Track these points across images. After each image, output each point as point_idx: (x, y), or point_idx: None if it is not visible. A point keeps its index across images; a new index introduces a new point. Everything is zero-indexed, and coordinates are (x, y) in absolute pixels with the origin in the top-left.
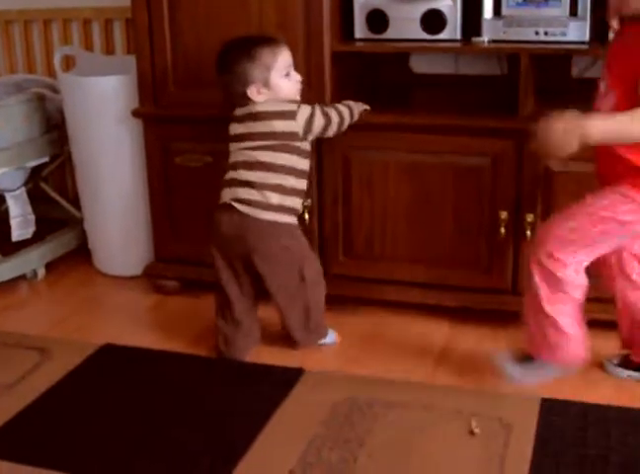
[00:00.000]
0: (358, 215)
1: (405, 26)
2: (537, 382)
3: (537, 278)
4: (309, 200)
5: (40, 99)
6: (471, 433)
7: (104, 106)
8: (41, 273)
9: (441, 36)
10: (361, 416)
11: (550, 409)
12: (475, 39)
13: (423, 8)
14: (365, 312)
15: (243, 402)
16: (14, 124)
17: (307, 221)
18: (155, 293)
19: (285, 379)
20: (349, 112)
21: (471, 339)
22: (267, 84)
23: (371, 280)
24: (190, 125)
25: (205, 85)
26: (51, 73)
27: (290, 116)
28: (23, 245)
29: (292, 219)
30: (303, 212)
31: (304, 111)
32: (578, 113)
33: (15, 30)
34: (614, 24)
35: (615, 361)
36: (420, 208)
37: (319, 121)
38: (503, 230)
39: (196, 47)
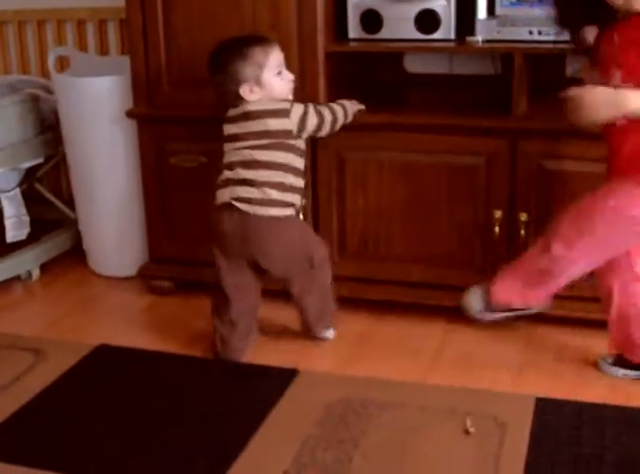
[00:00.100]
0: (352, 215)
1: (399, 26)
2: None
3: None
4: (304, 200)
5: (35, 100)
6: (466, 432)
7: (98, 106)
8: (36, 273)
9: (435, 35)
10: (356, 416)
11: (545, 408)
12: (469, 39)
13: (417, 8)
14: (360, 312)
15: (238, 402)
16: (8, 125)
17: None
18: (150, 294)
19: (280, 380)
20: (343, 111)
21: (466, 338)
22: (259, 83)
23: (366, 280)
24: (184, 126)
25: (200, 85)
26: (45, 74)
27: (284, 114)
28: (17, 246)
29: (292, 212)
30: (298, 213)
31: (297, 109)
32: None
33: (9, 30)
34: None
35: (610, 360)
36: (414, 208)
37: (312, 120)
38: (497, 229)
39: (190, 48)
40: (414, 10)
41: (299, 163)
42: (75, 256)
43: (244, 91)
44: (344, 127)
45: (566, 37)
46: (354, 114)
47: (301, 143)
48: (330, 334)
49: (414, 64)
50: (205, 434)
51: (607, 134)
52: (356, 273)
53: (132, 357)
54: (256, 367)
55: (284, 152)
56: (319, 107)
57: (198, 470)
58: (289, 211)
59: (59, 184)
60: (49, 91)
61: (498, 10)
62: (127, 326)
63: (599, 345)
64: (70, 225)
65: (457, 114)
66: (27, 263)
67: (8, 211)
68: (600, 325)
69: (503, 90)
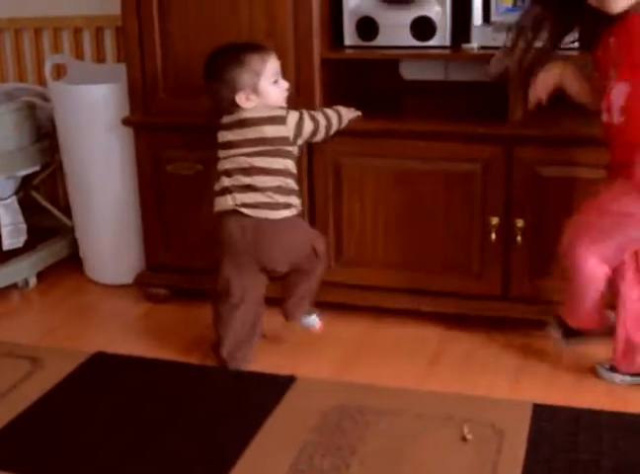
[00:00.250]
0: (348, 222)
1: (395, 33)
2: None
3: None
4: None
5: (31, 107)
6: (463, 439)
7: (94, 114)
8: (33, 281)
9: (431, 42)
10: (353, 423)
11: (542, 414)
12: (465, 46)
13: (412, 15)
14: (356, 319)
15: (235, 409)
16: (4, 133)
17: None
18: (146, 302)
19: (277, 387)
20: (337, 116)
21: (463, 345)
22: (256, 90)
23: (362, 287)
24: (180, 133)
25: (196, 93)
26: (42, 82)
27: (280, 121)
28: (14, 254)
29: (295, 212)
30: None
31: (293, 115)
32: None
33: (5, 38)
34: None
35: (607, 366)
36: (410, 214)
37: (308, 125)
38: (493, 236)
39: (186, 55)
40: (409, 17)
41: (295, 168)
42: (72, 263)
43: (240, 98)
44: (340, 134)
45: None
46: (349, 120)
47: (296, 149)
48: (314, 322)
49: (410, 71)
50: (202, 441)
51: (606, 136)
52: (352, 279)
53: (129, 365)
54: (253, 374)
55: (282, 158)
56: (313, 113)
57: None
58: (294, 211)
59: (56, 191)
60: (46, 99)
61: (493, 16)
62: (124, 333)
63: (595, 350)
64: (67, 233)
65: (453, 120)
66: (23, 270)
67: (4, 219)
68: None
69: (499, 97)
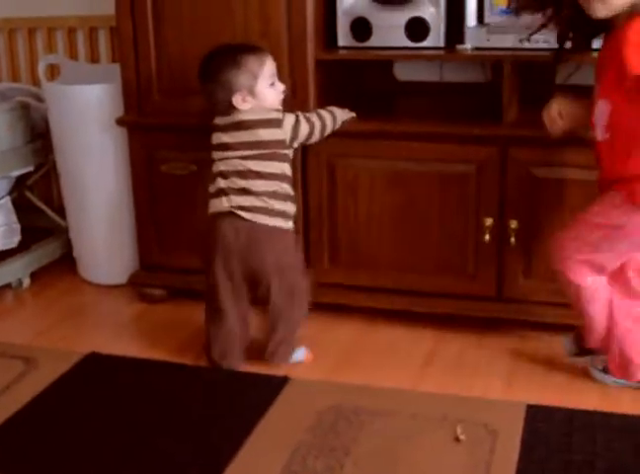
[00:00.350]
0: (343, 223)
1: (389, 33)
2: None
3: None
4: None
5: (25, 108)
6: (457, 439)
7: (88, 114)
8: (27, 282)
9: (425, 43)
10: (347, 424)
11: (535, 415)
12: (459, 47)
13: (406, 16)
14: (351, 319)
15: (228, 410)
16: None
17: (292, 229)
18: (140, 302)
19: (271, 387)
20: (331, 118)
21: (457, 346)
22: (252, 92)
23: (357, 288)
24: (175, 134)
25: (190, 93)
26: (36, 82)
27: (276, 124)
28: (8, 254)
29: (292, 225)
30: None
31: (289, 118)
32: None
33: None
34: None
35: (600, 367)
36: (405, 216)
37: (304, 128)
38: (487, 237)
39: (180, 56)
40: (404, 18)
41: (290, 171)
42: (66, 264)
43: (237, 100)
44: (334, 135)
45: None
46: (343, 121)
47: (292, 152)
48: (300, 357)
49: (404, 72)
50: (196, 442)
51: (594, 152)
52: (346, 280)
53: (123, 365)
54: (247, 375)
55: (279, 162)
56: (308, 115)
57: None
58: (290, 224)
59: (50, 192)
60: (40, 99)
61: (487, 18)
62: (118, 334)
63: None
64: (61, 233)
65: (448, 121)
66: (17, 271)
67: None
68: None
69: (493, 97)
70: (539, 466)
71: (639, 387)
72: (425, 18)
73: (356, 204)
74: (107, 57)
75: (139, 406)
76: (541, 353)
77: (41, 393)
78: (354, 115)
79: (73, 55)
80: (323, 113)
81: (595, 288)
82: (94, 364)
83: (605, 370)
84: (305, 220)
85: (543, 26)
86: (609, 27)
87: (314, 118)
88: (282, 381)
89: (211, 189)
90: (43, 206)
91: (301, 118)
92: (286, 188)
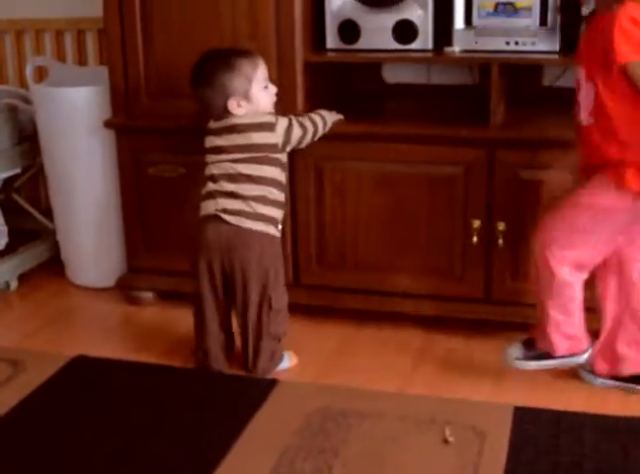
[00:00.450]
0: (331, 225)
1: (377, 36)
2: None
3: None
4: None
5: (12, 110)
6: (445, 441)
7: (76, 117)
8: (14, 284)
9: (413, 46)
10: (335, 426)
11: (523, 417)
12: (447, 50)
13: (394, 18)
14: (339, 321)
15: (217, 413)
16: None
17: (280, 231)
18: (128, 304)
19: (259, 390)
20: (322, 121)
21: (445, 347)
22: (247, 96)
23: (345, 290)
24: (162, 136)
25: (178, 96)
26: (24, 84)
27: (269, 127)
28: None
29: (278, 232)
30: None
31: (282, 122)
32: None
33: None
34: None
35: (588, 368)
36: (393, 218)
37: (297, 132)
38: (475, 239)
39: (168, 59)
40: (391, 20)
41: (283, 177)
42: (53, 266)
43: (232, 105)
44: (322, 137)
45: (542, 47)
46: (333, 123)
47: (284, 157)
48: (285, 364)
49: (392, 74)
50: (184, 445)
51: (576, 136)
52: (334, 282)
53: (111, 368)
54: (235, 377)
55: (270, 166)
56: (300, 118)
57: None
58: (276, 231)
59: (37, 194)
60: (27, 101)
61: (475, 20)
62: (106, 337)
63: None
64: (48, 236)
65: (435, 124)
66: (4, 273)
67: None
68: None
69: (481, 100)
70: (527, 468)
71: (627, 388)
72: (413, 20)
73: (343, 207)
74: (95, 60)
75: (128, 409)
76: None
77: (29, 396)
78: (341, 117)
79: (61, 58)
80: (315, 116)
81: (568, 279)
82: (81, 367)
83: (593, 372)
84: (293, 222)
85: None
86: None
87: (307, 122)
88: (271, 384)
89: (203, 192)
90: (31, 209)
91: (294, 121)
92: (276, 193)
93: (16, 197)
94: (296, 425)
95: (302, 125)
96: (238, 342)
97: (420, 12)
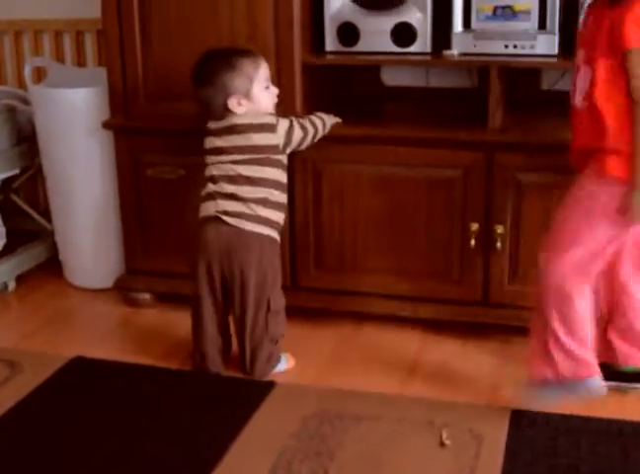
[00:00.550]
0: (329, 227)
1: (376, 39)
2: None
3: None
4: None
5: (11, 110)
6: (442, 444)
7: (75, 117)
8: (12, 285)
9: (412, 49)
10: (332, 429)
11: (520, 419)
12: (445, 53)
13: (393, 21)
14: (337, 324)
15: (214, 415)
16: None
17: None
18: (126, 306)
19: (257, 392)
20: (321, 123)
21: (443, 350)
22: (248, 95)
23: (343, 292)
24: (161, 138)
25: (177, 97)
26: (22, 85)
27: (270, 129)
28: None
29: (277, 235)
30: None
31: (283, 123)
32: None
33: None
34: None
35: None
36: (391, 220)
37: (298, 133)
38: (473, 242)
39: (167, 60)
40: (390, 23)
41: (284, 178)
42: (51, 267)
43: (232, 103)
44: (321, 140)
45: (541, 50)
46: (331, 126)
47: (285, 158)
48: (282, 365)
49: (391, 77)
50: (182, 447)
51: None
52: (332, 284)
53: (108, 370)
54: (233, 380)
55: (270, 167)
56: (301, 120)
57: None
58: (276, 234)
59: (36, 195)
60: (26, 102)
61: (474, 24)
62: (103, 338)
63: None
64: (46, 237)
65: (434, 126)
66: (3, 274)
67: None
68: None
69: (479, 103)
70: (524, 471)
71: (625, 390)
72: (412, 23)
73: (342, 209)
74: (93, 61)
75: (125, 410)
76: (526, 357)
77: (26, 397)
78: (339, 120)
79: (60, 58)
80: (315, 118)
81: (573, 290)
82: (79, 369)
83: None
84: (291, 224)
85: None
86: None
87: (307, 123)
88: (268, 386)
89: (202, 193)
90: (29, 209)
91: (295, 123)
92: (277, 195)
93: (14, 197)
94: (293, 427)
95: (303, 127)
96: (235, 344)
97: (419, 15)
